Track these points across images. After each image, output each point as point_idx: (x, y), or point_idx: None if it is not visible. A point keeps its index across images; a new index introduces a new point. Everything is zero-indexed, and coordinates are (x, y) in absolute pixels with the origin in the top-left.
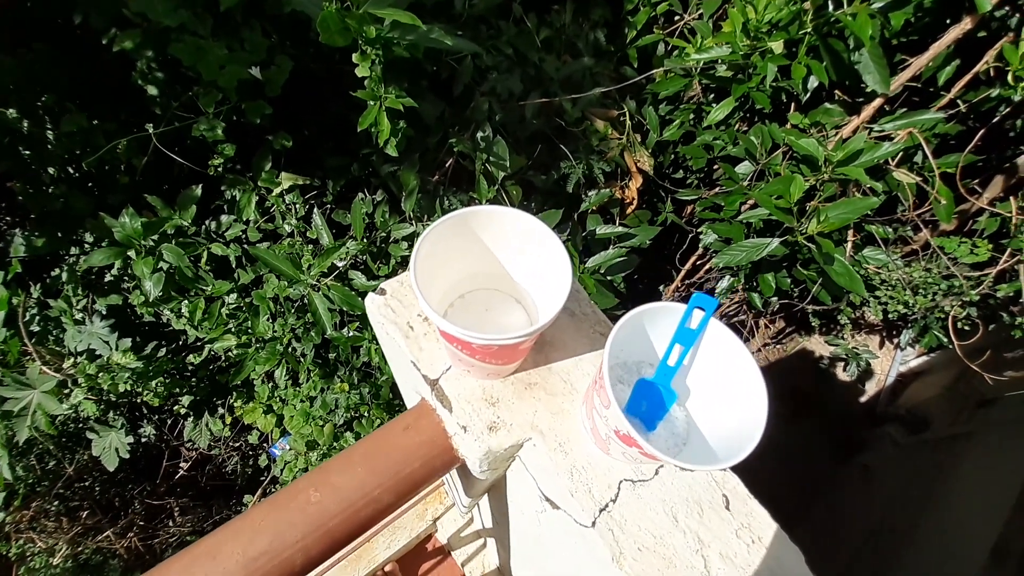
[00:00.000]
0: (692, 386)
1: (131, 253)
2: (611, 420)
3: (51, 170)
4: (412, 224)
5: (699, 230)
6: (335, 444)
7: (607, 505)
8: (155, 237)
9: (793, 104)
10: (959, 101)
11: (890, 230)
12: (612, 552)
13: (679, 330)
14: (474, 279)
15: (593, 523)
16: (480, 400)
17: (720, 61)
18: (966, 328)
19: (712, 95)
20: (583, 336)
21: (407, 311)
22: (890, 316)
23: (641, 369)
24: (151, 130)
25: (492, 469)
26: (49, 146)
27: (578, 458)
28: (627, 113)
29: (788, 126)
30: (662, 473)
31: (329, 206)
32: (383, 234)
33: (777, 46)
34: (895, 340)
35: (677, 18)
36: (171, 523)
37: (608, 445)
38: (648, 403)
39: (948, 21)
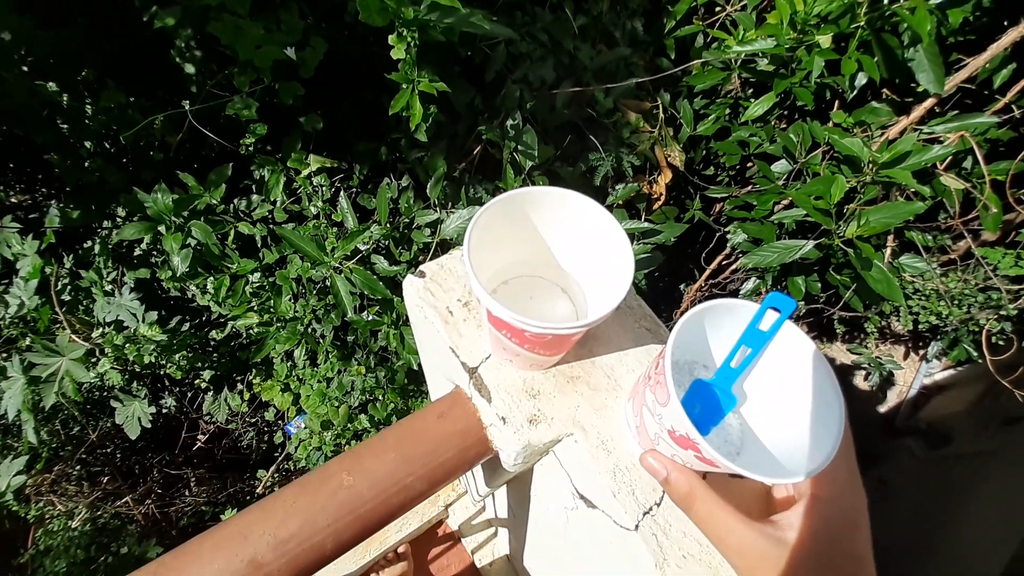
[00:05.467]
0: (750, 392)
1: (161, 228)
2: (667, 419)
3: (88, 144)
4: (436, 211)
5: (727, 229)
6: (349, 425)
7: (651, 509)
8: (185, 213)
9: (837, 102)
10: (1014, 106)
11: (929, 238)
12: (656, 558)
13: (748, 331)
14: (520, 265)
15: (636, 526)
16: (521, 391)
17: (762, 54)
18: (999, 343)
19: (751, 90)
20: (627, 330)
21: (447, 295)
22: (920, 327)
23: (693, 370)
24: (187, 107)
25: (524, 463)
26: (87, 121)
27: (621, 457)
28: (661, 106)
29: (830, 124)
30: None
31: (355, 190)
32: (407, 220)
33: (825, 40)
34: (921, 352)
35: (719, 9)
36: (187, 492)
37: (656, 446)
38: (703, 406)
39: (1005, 23)
